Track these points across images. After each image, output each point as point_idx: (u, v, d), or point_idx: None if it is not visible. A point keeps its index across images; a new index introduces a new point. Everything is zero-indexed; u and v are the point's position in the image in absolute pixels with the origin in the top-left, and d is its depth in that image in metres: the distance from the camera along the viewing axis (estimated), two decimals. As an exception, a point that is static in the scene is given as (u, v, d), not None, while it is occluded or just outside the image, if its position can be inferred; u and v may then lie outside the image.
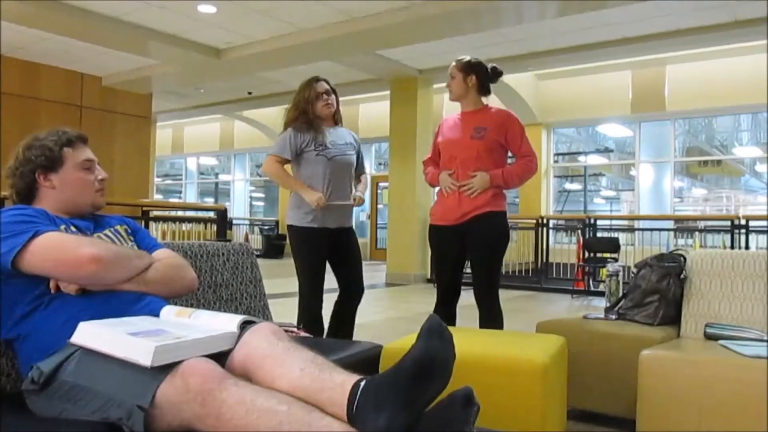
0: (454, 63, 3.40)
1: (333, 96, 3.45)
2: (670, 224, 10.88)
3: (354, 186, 3.57)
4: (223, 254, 2.64)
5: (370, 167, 15.83)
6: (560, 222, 12.25)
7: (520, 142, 3.30)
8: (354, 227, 3.59)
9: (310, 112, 3.38)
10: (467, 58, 3.41)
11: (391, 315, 6.42)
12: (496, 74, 3.43)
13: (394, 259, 9.97)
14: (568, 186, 14.45)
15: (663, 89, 11.41)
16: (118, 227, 2.07)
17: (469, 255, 3.30)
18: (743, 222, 8.90)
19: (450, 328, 1.60)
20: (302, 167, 3.42)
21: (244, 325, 1.68)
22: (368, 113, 14.17)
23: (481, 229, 3.23)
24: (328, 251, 3.43)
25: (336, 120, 3.50)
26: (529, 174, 3.31)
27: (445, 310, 3.33)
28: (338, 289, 3.52)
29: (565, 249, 10.60)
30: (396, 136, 10.52)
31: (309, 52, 8.81)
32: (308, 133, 3.38)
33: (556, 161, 13.59)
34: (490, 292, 3.23)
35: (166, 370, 1.46)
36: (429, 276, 9.96)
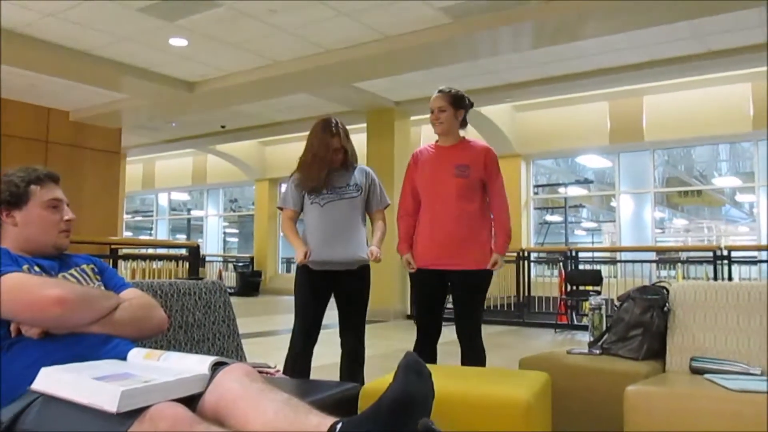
0: (440, 94, 3.35)
1: (347, 147, 3.39)
2: (652, 256, 10.95)
3: (373, 231, 3.50)
4: (194, 293, 2.62)
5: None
6: (542, 255, 12.22)
7: (495, 177, 3.35)
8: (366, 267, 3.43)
9: (320, 165, 3.33)
10: (453, 89, 3.39)
11: (370, 353, 6.31)
12: (470, 106, 3.46)
13: (373, 295, 8.97)
14: (549, 218, 14.45)
15: (641, 119, 11.48)
16: (84, 266, 2.04)
17: (453, 292, 3.29)
18: (725, 252, 8.98)
19: (431, 366, 1.58)
20: (305, 217, 3.43)
21: (216, 367, 1.65)
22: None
23: (465, 269, 3.25)
24: (327, 292, 3.38)
25: (346, 162, 3.42)
26: (508, 211, 3.38)
27: (427, 348, 3.29)
28: (333, 328, 3.49)
29: (547, 282, 10.55)
30: (373, 169, 10.36)
31: (283, 85, 8.82)
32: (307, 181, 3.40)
33: (536, 193, 13.49)
34: (473, 329, 3.23)
35: (133, 415, 1.42)
36: (409, 312, 9.84)
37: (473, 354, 3.21)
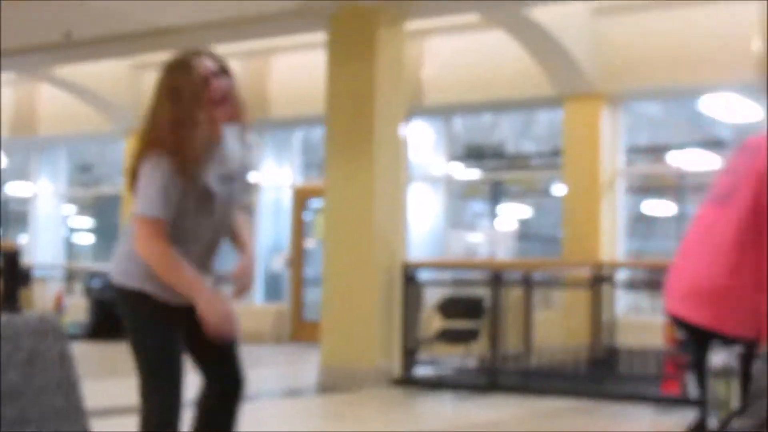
0: None
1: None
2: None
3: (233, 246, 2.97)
4: (9, 338, 2.29)
5: (292, 172, 12.17)
6: (637, 273, 9.21)
7: None
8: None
9: (193, 121, 2.72)
10: None
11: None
12: None
13: (334, 342, 7.63)
14: (651, 207, 11.16)
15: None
16: None
17: None
18: None
19: None
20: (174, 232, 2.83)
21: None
22: (287, 73, 11.17)
23: None
24: (185, 333, 2.92)
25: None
26: None
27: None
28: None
29: (645, 323, 8.15)
30: (338, 114, 8.16)
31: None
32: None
33: (629, 162, 10.07)
34: None
35: None
36: (400, 374, 7.59)
37: None
